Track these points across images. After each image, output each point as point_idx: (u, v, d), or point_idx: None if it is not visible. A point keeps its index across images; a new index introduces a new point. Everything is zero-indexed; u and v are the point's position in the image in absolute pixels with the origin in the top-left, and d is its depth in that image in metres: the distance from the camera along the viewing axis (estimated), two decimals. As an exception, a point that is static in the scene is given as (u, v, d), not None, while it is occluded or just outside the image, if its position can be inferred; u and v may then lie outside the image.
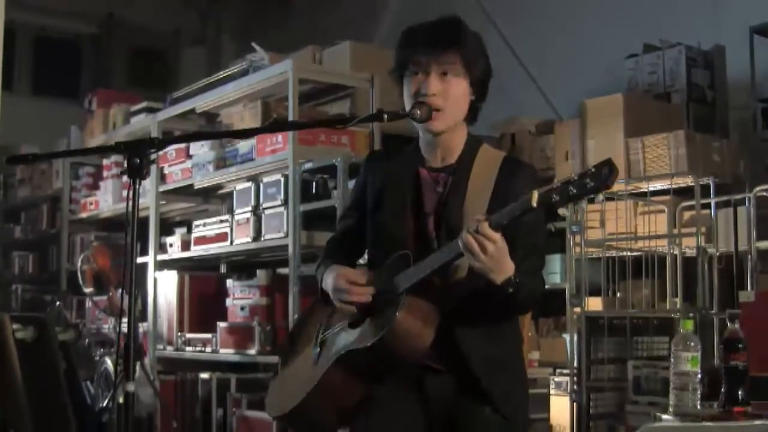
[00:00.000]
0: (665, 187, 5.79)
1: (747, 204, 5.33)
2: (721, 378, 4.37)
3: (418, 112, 2.47)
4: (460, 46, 2.49)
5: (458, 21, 2.56)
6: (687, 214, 5.67)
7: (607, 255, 5.64)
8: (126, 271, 2.29)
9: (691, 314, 5.38)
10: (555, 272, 6.40)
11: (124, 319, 2.23)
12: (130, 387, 2.18)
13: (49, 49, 11.32)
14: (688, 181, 5.62)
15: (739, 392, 2.31)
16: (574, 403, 5.27)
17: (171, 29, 11.91)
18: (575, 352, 5.36)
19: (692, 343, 2.26)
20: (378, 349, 2.38)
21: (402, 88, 2.58)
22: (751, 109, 6.58)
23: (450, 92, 2.49)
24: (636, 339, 5.51)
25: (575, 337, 5.40)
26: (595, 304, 5.80)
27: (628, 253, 5.71)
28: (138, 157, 2.20)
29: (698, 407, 2.31)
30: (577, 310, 5.46)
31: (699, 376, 2.27)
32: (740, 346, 2.32)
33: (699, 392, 2.28)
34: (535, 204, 2.15)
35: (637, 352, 5.47)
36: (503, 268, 2.30)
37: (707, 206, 5.61)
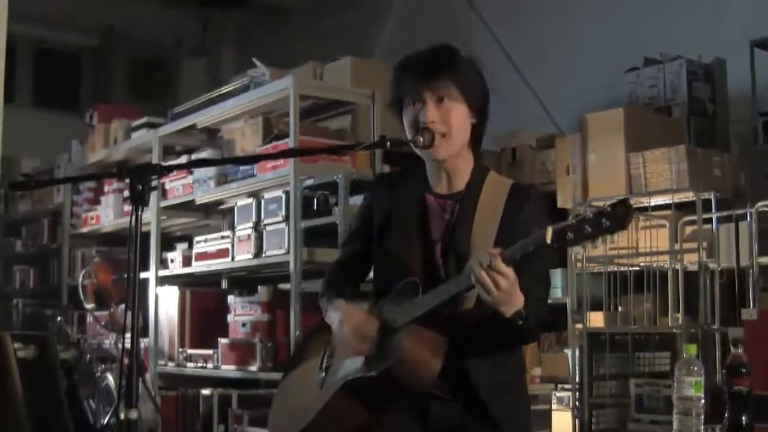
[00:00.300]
0: (666, 202, 5.80)
1: (749, 219, 5.33)
2: (723, 397, 4.38)
3: (421, 139, 2.47)
4: (452, 71, 2.49)
5: (449, 47, 2.56)
6: (688, 229, 5.66)
7: (608, 270, 5.64)
8: (129, 291, 2.26)
9: (692, 329, 5.38)
10: (556, 287, 6.39)
11: (127, 335, 2.22)
12: (133, 414, 2.17)
13: (49, 61, 11.33)
14: (689, 195, 5.62)
15: (743, 418, 2.30)
16: (576, 420, 5.27)
17: (171, 40, 11.92)
18: (577, 368, 5.36)
19: (695, 368, 2.26)
20: (385, 378, 2.38)
21: (401, 120, 2.58)
22: (752, 123, 6.57)
23: (449, 117, 2.49)
24: (638, 355, 5.52)
25: (577, 353, 5.41)
26: (596, 319, 5.80)
27: (630, 268, 5.71)
28: (140, 183, 2.19)
29: (702, 432, 2.30)
30: (579, 326, 5.46)
31: (702, 401, 2.26)
32: (743, 370, 2.31)
33: (702, 417, 2.27)
34: (549, 241, 2.14)
35: (638, 368, 5.48)
36: (514, 301, 2.29)
37: (709, 221, 5.61)
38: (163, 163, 6.23)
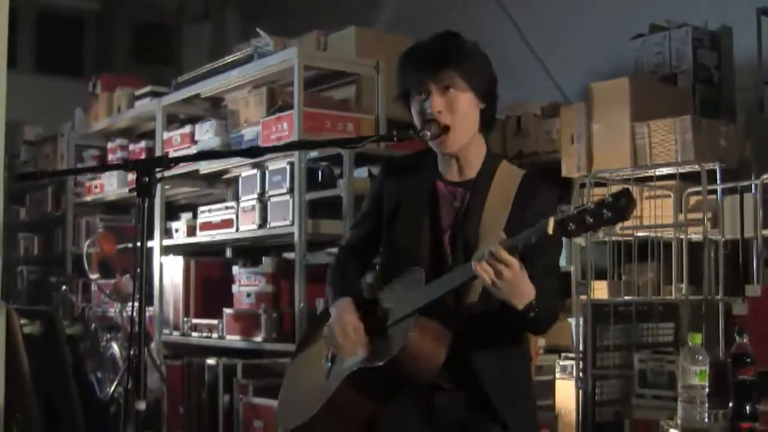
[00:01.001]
0: (671, 172, 5.79)
1: (753, 191, 5.32)
2: (726, 372, 4.40)
3: (428, 132, 2.45)
4: (456, 60, 2.47)
5: (452, 35, 2.54)
6: (693, 199, 5.66)
7: (612, 239, 5.65)
8: (137, 282, 2.26)
9: (696, 298, 5.40)
10: (561, 256, 6.39)
11: (130, 308, 2.23)
12: (141, 406, 2.18)
13: (52, 27, 11.26)
14: (694, 166, 5.61)
15: (747, 407, 2.31)
16: (580, 391, 5.29)
17: (175, 5, 11.85)
18: (581, 339, 5.38)
19: (700, 357, 2.26)
20: (390, 368, 2.38)
21: (410, 110, 2.57)
22: (758, 91, 6.55)
23: (455, 106, 2.47)
24: (641, 325, 5.53)
25: (581, 324, 5.42)
26: (600, 287, 5.81)
27: (634, 237, 5.71)
28: (147, 175, 2.18)
29: (705, 420, 2.31)
30: (583, 297, 5.47)
31: (707, 389, 2.27)
32: (748, 360, 2.31)
33: (706, 405, 2.28)
34: (551, 231, 2.14)
35: (642, 339, 5.49)
36: (523, 293, 2.29)
37: (713, 192, 5.60)
38: (170, 155, 6.31)
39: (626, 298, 5.65)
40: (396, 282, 2.53)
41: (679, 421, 2.30)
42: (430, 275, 2.44)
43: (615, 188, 5.66)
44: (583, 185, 5.87)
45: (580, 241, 5.56)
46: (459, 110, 2.47)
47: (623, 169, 5.86)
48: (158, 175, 2.23)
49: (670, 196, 5.79)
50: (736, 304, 4.33)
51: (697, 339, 2.28)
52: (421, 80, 2.48)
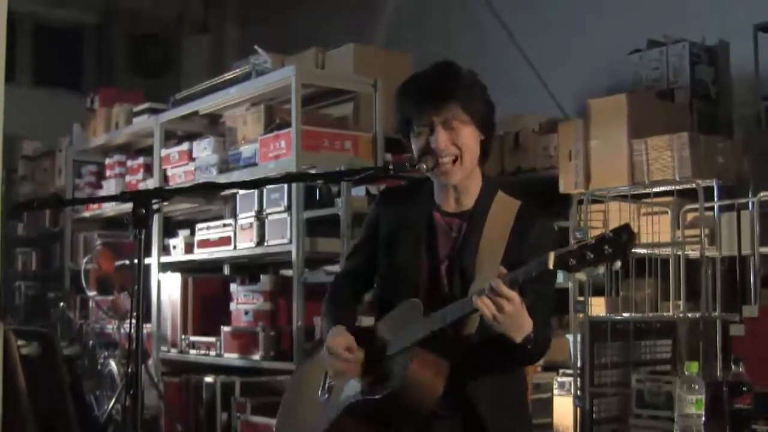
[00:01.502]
0: (669, 189, 5.81)
1: (751, 208, 5.33)
2: (722, 392, 4.40)
3: (424, 166, 2.46)
4: (458, 94, 2.47)
5: (450, 67, 2.54)
6: (690, 216, 5.66)
7: (610, 257, 5.65)
8: (133, 304, 2.26)
9: (694, 315, 5.40)
10: (558, 272, 6.39)
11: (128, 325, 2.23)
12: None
13: (50, 39, 11.26)
14: (692, 183, 5.62)
15: (744, 437, 2.31)
16: (578, 408, 5.29)
17: (173, 17, 11.86)
18: (579, 356, 5.38)
19: (696, 386, 2.27)
20: (389, 400, 2.38)
21: (408, 140, 2.57)
22: (756, 107, 6.55)
23: (459, 141, 2.48)
24: (639, 342, 5.53)
25: (578, 341, 5.42)
26: (598, 303, 5.81)
27: (632, 254, 5.71)
28: (143, 207, 2.19)
29: (703, 450, 2.31)
30: (581, 315, 5.47)
31: (702, 418, 2.27)
32: (744, 389, 2.31)
33: (703, 434, 2.29)
34: (551, 266, 2.15)
35: (640, 356, 5.49)
36: (522, 326, 2.30)
37: (711, 209, 5.60)
38: (167, 172, 6.32)
39: (624, 314, 5.66)
40: (393, 313, 2.53)
41: (676, 451, 2.30)
42: (428, 305, 2.44)
43: (613, 205, 5.75)
44: (580, 202, 5.89)
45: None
46: (462, 143, 2.49)
47: (620, 187, 5.88)
48: (155, 207, 2.23)
49: (667, 212, 5.80)
50: (733, 326, 4.32)
51: (693, 368, 2.28)
52: (424, 116, 2.48)
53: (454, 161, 2.49)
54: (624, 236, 2.10)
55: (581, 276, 5.23)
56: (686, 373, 2.29)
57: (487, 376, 2.47)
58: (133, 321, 2.30)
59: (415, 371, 2.38)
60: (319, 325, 5.34)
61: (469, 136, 2.50)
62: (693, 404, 2.27)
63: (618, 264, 2.17)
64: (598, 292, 5.76)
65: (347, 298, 2.74)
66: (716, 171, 5.86)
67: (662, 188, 5.83)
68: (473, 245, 2.50)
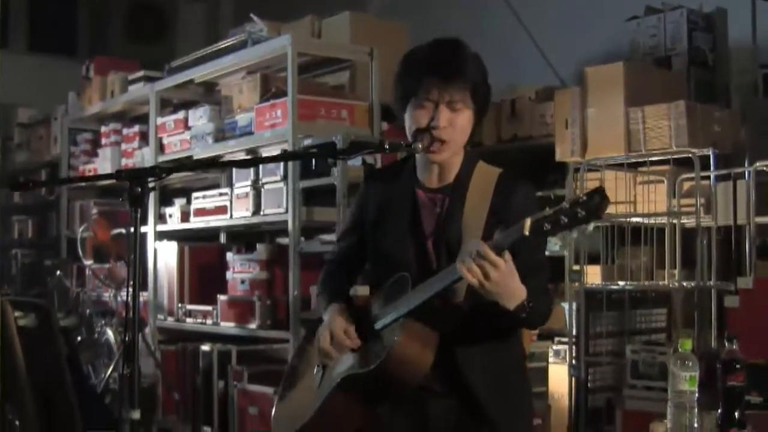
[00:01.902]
0: (665, 157, 5.81)
1: (747, 178, 5.33)
2: (717, 363, 4.42)
3: (420, 145, 2.46)
4: (468, 76, 2.48)
5: (463, 48, 2.53)
6: (687, 185, 5.67)
7: (605, 224, 5.68)
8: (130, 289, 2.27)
9: (689, 284, 5.42)
10: (555, 242, 6.42)
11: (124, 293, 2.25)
12: (135, 415, 2.19)
13: (44, 5, 11.17)
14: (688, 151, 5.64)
15: (736, 414, 2.33)
16: (573, 378, 5.32)
17: (169, -17, 11.79)
18: (574, 325, 5.41)
19: (690, 363, 2.28)
20: (378, 373, 2.39)
21: (402, 113, 2.56)
22: (753, 75, 6.54)
23: (457, 124, 2.49)
24: (634, 312, 5.56)
25: (574, 309, 5.45)
26: (593, 272, 5.83)
27: (627, 221, 5.73)
28: (139, 186, 2.19)
29: (695, 425, 2.33)
30: (576, 284, 5.49)
31: (696, 394, 2.29)
32: (737, 366, 2.33)
33: (696, 410, 2.30)
34: (527, 233, 2.15)
35: (635, 325, 5.52)
36: (513, 293, 2.30)
37: (707, 178, 5.61)
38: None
39: (619, 283, 5.68)
40: (383, 289, 2.54)
41: (669, 425, 2.32)
42: (417, 282, 2.45)
43: (609, 174, 5.75)
44: (577, 170, 5.89)
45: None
46: (460, 126, 2.50)
47: (616, 156, 5.88)
48: (151, 185, 2.23)
49: (663, 181, 5.81)
50: (728, 297, 4.34)
51: (687, 345, 2.29)
52: (431, 90, 2.47)
53: (445, 142, 2.49)
54: (596, 198, 2.11)
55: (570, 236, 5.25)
56: (680, 350, 2.30)
57: (480, 346, 2.48)
58: (130, 290, 2.30)
59: (403, 344, 2.39)
60: (314, 296, 5.36)
61: (467, 121, 2.52)
62: (687, 381, 2.28)
63: (590, 227, 2.17)
64: (593, 260, 5.79)
65: (340, 279, 2.75)
66: (713, 140, 5.86)
67: (658, 157, 5.85)
68: (457, 218, 2.51)
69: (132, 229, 2.20)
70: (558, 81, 7.41)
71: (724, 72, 6.79)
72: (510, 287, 2.29)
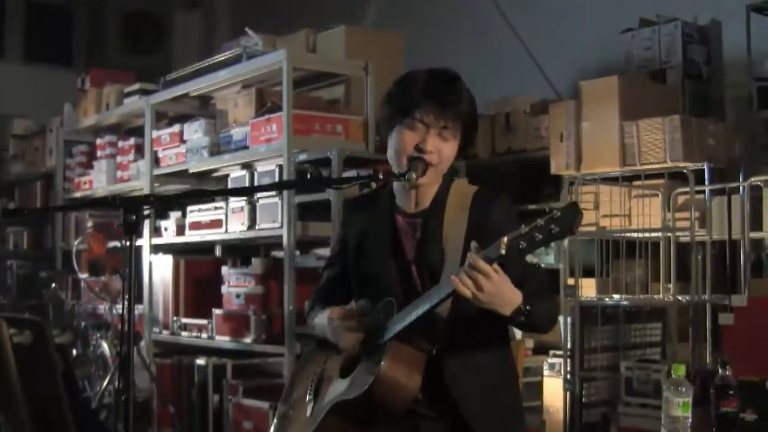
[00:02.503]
0: (660, 171, 5.84)
1: (741, 192, 5.35)
2: (711, 381, 4.43)
3: (414, 174, 2.47)
4: (462, 110, 2.51)
5: (460, 79, 2.57)
6: (681, 199, 5.68)
7: (600, 237, 5.71)
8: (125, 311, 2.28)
9: (684, 299, 5.43)
10: (549, 253, 6.43)
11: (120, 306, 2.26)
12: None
13: (40, 15, 11.17)
14: (683, 165, 5.67)
15: (730, 439, 2.34)
16: (568, 392, 5.33)
17: (165, -6, 11.79)
18: (569, 340, 5.42)
19: (684, 389, 2.28)
20: (366, 399, 2.40)
21: (389, 130, 2.57)
22: (747, 88, 6.55)
23: (444, 152, 2.52)
24: (629, 326, 5.57)
25: (569, 323, 5.46)
26: (588, 285, 5.84)
27: (622, 236, 5.75)
28: (134, 213, 2.19)
29: (689, 451, 2.34)
30: (571, 299, 5.50)
31: (690, 420, 2.30)
32: (731, 392, 2.33)
33: (690, 436, 2.31)
34: (504, 252, 2.17)
35: (630, 340, 5.54)
36: (508, 299, 2.31)
37: (702, 192, 5.62)
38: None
39: (614, 296, 5.70)
40: (370, 315, 2.55)
41: (662, 451, 2.33)
42: (403, 306, 2.47)
43: (604, 187, 5.77)
44: (572, 183, 5.91)
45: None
46: (446, 155, 2.53)
47: (611, 172, 5.90)
48: (146, 213, 2.24)
49: (658, 195, 5.82)
50: (722, 315, 4.35)
51: (680, 371, 2.30)
52: (426, 116, 2.49)
53: (430, 166, 2.51)
54: (570, 215, 2.13)
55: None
56: (674, 375, 2.30)
57: (469, 368, 2.48)
58: (126, 312, 2.31)
59: (389, 367, 2.39)
60: (308, 309, 5.36)
61: (452, 151, 2.56)
62: (680, 407, 2.29)
63: (566, 241, 2.23)
64: (588, 273, 5.80)
65: (328, 305, 2.74)
66: (707, 153, 5.87)
67: (653, 171, 5.88)
68: (437, 240, 2.53)
69: (128, 253, 2.20)
70: (553, 93, 7.42)
71: (718, 85, 6.81)
72: (504, 294, 2.30)
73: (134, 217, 2.19)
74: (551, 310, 2.53)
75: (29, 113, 9.02)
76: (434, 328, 2.43)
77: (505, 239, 2.18)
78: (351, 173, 5.59)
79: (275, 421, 2.87)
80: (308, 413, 2.63)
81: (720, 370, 2.37)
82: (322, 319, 2.63)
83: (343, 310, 2.57)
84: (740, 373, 4.15)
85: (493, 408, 2.52)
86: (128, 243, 2.19)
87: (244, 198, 5.69)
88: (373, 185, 2.74)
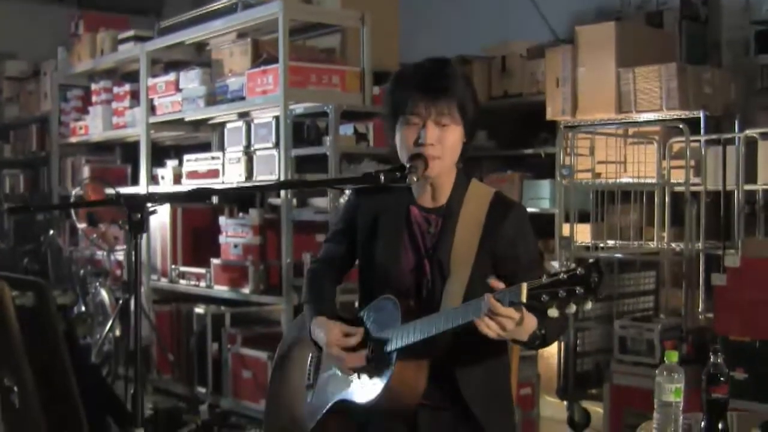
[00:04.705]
0: (656, 119, 5.85)
1: (737, 143, 5.36)
2: (707, 336, 4.51)
3: (414, 177, 2.44)
4: (455, 93, 2.48)
5: (450, 65, 2.54)
6: (677, 146, 5.70)
7: (596, 182, 5.75)
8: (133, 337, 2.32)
9: (678, 245, 5.49)
10: (545, 197, 6.47)
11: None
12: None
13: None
14: (678, 114, 5.68)
15: (720, 425, 2.39)
16: (562, 342, 5.40)
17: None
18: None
19: (676, 375, 2.33)
20: (374, 405, 2.45)
21: (392, 131, 2.57)
22: (745, 31, 6.53)
23: (446, 140, 2.49)
24: (623, 276, 5.63)
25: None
26: (583, 230, 5.89)
27: (617, 184, 5.79)
28: (138, 212, 2.20)
29: (681, 435, 2.39)
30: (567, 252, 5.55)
31: (681, 405, 2.35)
32: (722, 379, 2.38)
33: (681, 420, 2.36)
34: (524, 300, 2.17)
35: (624, 289, 5.60)
36: (525, 329, 2.33)
37: (697, 141, 5.64)
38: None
39: (609, 242, 5.75)
40: (372, 309, 2.57)
41: (653, 432, 2.38)
42: (409, 301, 2.50)
43: (599, 140, 5.78)
44: (569, 128, 5.93)
45: (564, 182, 5.63)
46: (449, 143, 2.50)
47: (607, 124, 5.92)
48: (150, 210, 2.25)
49: (653, 143, 5.84)
50: (715, 275, 4.40)
51: (673, 357, 2.34)
52: (420, 110, 2.47)
53: (435, 158, 2.49)
54: (594, 277, 2.11)
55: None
56: (666, 361, 2.35)
57: (472, 365, 2.52)
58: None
59: (396, 377, 2.42)
60: (307, 263, 5.40)
61: (456, 138, 2.52)
62: (672, 393, 2.33)
63: (589, 305, 2.19)
64: (583, 218, 5.84)
65: (326, 285, 2.75)
66: (703, 102, 5.87)
67: (649, 120, 5.89)
68: (448, 241, 2.53)
69: (133, 252, 2.22)
70: (550, 34, 7.37)
71: (716, 27, 6.77)
72: (522, 327, 2.31)
73: (139, 216, 2.20)
74: (562, 325, 2.53)
75: (19, 51, 8.91)
76: (441, 338, 2.44)
77: (525, 286, 2.17)
78: (348, 127, 5.60)
79: (271, 389, 2.90)
80: (306, 402, 2.67)
81: (712, 357, 2.40)
82: (319, 334, 2.59)
83: (341, 332, 2.55)
84: (732, 334, 4.25)
85: (493, 402, 2.57)
86: (134, 242, 2.20)
87: (241, 149, 5.70)
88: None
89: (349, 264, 2.78)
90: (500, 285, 2.25)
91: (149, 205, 2.24)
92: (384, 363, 2.46)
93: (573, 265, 2.16)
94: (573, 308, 2.13)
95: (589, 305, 2.15)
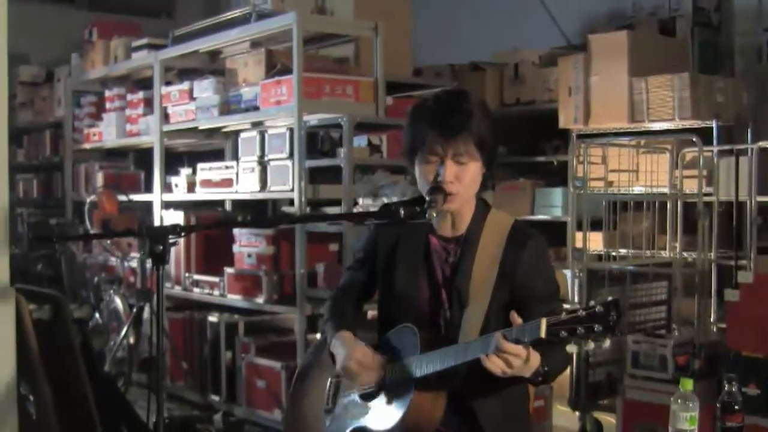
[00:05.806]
0: (668, 128, 5.86)
1: (749, 154, 5.36)
2: (718, 355, 4.51)
3: (434, 212, 2.46)
4: (472, 129, 2.48)
5: (467, 98, 2.55)
6: (689, 156, 5.71)
7: (608, 191, 5.77)
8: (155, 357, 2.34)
9: (690, 255, 5.49)
10: (557, 206, 6.49)
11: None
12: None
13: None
14: (691, 123, 5.69)
15: (734, 454, 2.41)
16: (574, 353, 5.39)
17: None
18: (576, 302, 5.48)
19: (691, 404, 2.35)
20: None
21: (411, 165, 2.59)
22: (757, 38, 6.53)
23: (465, 178, 2.51)
24: (636, 286, 5.63)
25: (576, 285, 5.52)
26: (595, 239, 5.90)
27: (630, 190, 5.80)
28: (161, 243, 2.22)
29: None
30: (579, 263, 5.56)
31: (696, 432, 2.37)
32: (736, 407, 2.40)
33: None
34: (543, 336, 2.20)
35: (636, 299, 5.60)
36: (529, 366, 2.35)
37: (710, 151, 5.65)
38: (168, 111, 6.30)
39: (621, 251, 5.76)
40: (391, 337, 2.59)
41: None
42: (427, 330, 2.52)
43: (612, 151, 5.79)
44: (581, 137, 5.94)
45: (577, 192, 5.65)
46: (467, 180, 2.52)
47: (620, 136, 5.93)
48: (172, 242, 2.27)
49: (666, 152, 5.85)
50: (728, 291, 4.41)
51: (687, 385, 2.36)
52: (437, 147, 2.49)
53: (452, 195, 2.51)
54: (612, 315, 2.14)
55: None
56: (680, 390, 2.37)
57: (489, 394, 2.54)
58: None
59: (414, 406, 2.45)
60: (320, 273, 5.43)
61: (475, 173, 2.54)
62: (687, 421, 2.35)
63: (607, 343, 2.21)
64: (595, 226, 5.85)
65: (347, 310, 2.77)
66: (716, 111, 5.88)
67: (662, 125, 5.91)
68: (467, 270, 2.55)
69: (157, 282, 2.24)
70: (562, 39, 7.37)
71: (728, 34, 6.77)
72: (527, 365, 2.33)
73: (161, 248, 2.22)
74: (565, 361, 2.54)
75: (31, 53, 8.91)
76: (457, 369, 2.47)
77: (544, 322, 2.20)
78: (362, 139, 5.62)
79: (289, 411, 2.94)
80: (326, 423, 2.69)
81: (726, 386, 2.42)
82: (340, 352, 2.62)
83: (364, 352, 2.58)
84: (744, 349, 4.25)
85: (509, 422, 2.59)
86: (156, 273, 2.22)
87: (255, 159, 5.72)
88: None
89: (369, 292, 2.81)
90: (518, 320, 2.28)
91: (171, 237, 2.26)
92: (402, 391, 2.49)
93: (592, 303, 2.18)
94: (591, 345, 2.16)
95: (607, 343, 2.17)
